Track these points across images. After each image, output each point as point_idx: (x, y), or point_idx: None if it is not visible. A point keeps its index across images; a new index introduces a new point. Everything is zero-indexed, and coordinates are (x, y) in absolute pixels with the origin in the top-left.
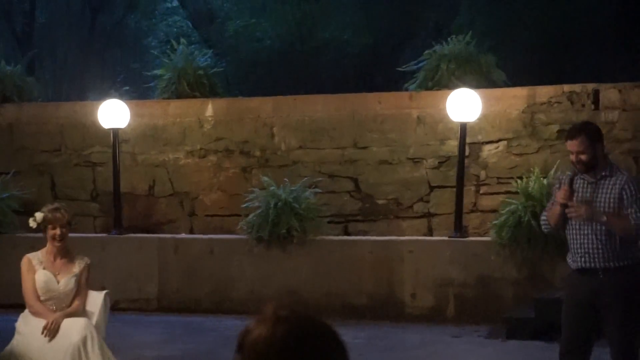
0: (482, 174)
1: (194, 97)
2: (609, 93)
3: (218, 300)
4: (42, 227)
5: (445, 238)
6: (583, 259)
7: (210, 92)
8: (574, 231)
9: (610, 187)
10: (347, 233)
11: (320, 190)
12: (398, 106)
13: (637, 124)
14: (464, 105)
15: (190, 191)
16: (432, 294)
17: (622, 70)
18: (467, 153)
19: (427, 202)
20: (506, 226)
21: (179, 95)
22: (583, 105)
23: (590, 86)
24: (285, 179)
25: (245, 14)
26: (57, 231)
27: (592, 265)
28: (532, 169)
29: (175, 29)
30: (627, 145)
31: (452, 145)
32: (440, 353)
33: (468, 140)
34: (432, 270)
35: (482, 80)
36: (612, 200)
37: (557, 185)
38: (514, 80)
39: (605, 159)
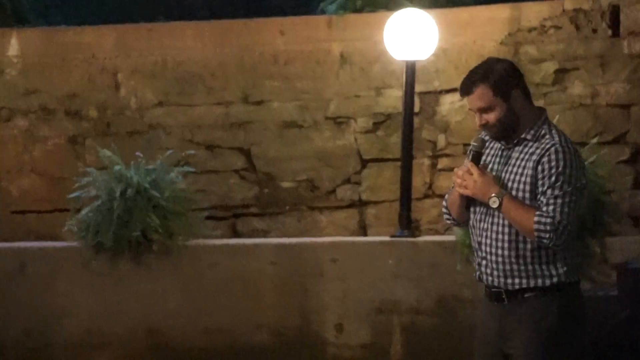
0: (441, 139)
1: None
2: (635, 10)
3: (33, 346)
4: None
5: (387, 238)
6: (480, 269)
7: (14, 19)
8: (474, 223)
9: (525, 156)
10: (236, 234)
11: (193, 170)
12: (311, 38)
13: None
14: (411, 34)
15: None
16: (368, 326)
17: None
18: (417, 109)
19: (358, 183)
20: None
21: None
22: (595, 31)
23: (606, 0)
24: (138, 153)
25: None
26: None
27: (492, 280)
28: None
29: None
30: None
31: (394, 96)
32: None
33: (419, 88)
34: (367, 288)
35: None
36: (522, 176)
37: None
38: None
39: (532, 114)
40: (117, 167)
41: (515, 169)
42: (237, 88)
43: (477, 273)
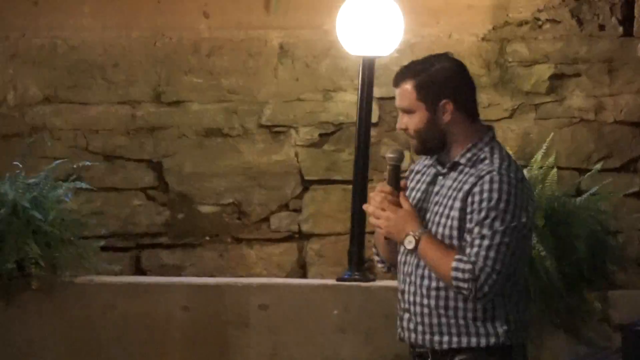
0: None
1: None
2: None
3: None
4: None
5: (331, 281)
6: (402, 325)
7: None
8: (398, 265)
9: (458, 185)
10: (140, 270)
11: (87, 186)
12: (242, 23)
13: None
14: (370, 23)
15: None
16: None
17: None
18: (375, 118)
19: (297, 210)
20: None
21: None
22: (602, 27)
23: None
24: (16, 163)
25: None
26: None
27: (415, 337)
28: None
29: None
30: None
31: (347, 101)
32: None
33: (378, 92)
34: (305, 344)
35: None
36: (451, 209)
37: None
38: None
39: (469, 134)
40: None
41: (443, 200)
42: (146, 83)
43: (399, 330)
